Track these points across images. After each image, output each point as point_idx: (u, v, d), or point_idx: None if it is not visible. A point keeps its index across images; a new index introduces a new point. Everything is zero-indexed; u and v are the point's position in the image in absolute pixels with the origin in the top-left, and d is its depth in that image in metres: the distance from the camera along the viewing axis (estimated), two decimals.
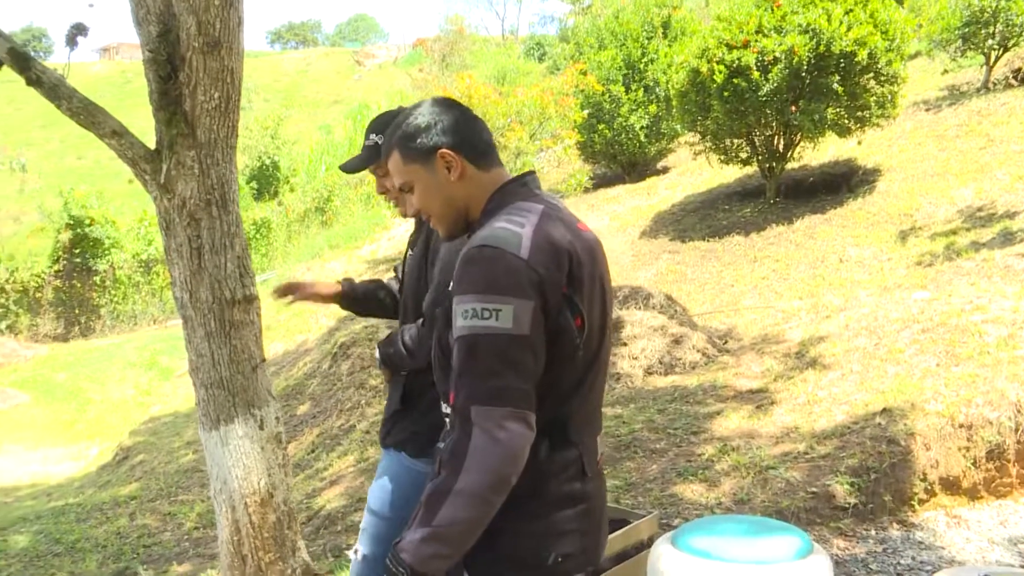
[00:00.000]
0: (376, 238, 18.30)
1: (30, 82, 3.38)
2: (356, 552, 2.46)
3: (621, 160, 16.45)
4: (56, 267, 22.00)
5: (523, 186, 1.81)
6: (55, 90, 3.41)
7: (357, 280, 2.97)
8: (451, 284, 1.70)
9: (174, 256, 3.52)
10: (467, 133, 1.81)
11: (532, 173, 1.87)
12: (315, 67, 44.89)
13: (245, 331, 3.58)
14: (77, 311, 22.00)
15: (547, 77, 19.14)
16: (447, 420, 1.84)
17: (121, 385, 15.80)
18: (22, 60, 3.36)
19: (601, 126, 15.50)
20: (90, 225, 21.82)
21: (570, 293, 1.64)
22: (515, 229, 1.64)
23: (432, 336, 2.05)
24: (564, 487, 1.72)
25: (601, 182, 16.56)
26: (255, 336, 3.64)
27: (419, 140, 1.79)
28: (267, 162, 26.89)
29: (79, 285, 21.97)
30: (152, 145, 3.54)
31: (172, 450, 9.28)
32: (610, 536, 3.38)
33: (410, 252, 2.49)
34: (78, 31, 3.60)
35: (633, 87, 15.79)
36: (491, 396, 1.56)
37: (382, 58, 46.40)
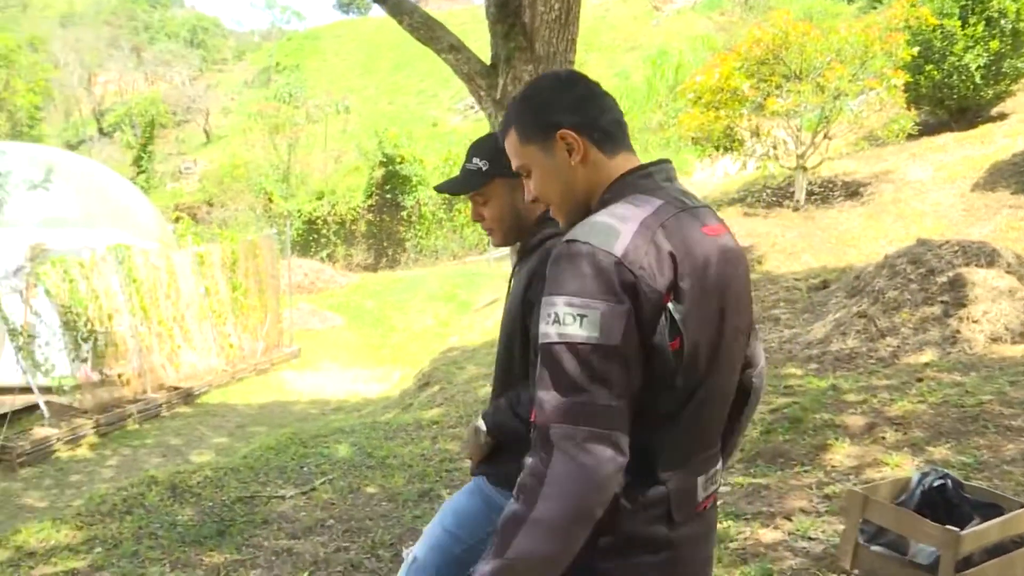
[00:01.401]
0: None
1: (376, 0, 3.37)
2: (410, 552, 2.28)
3: (949, 105, 14.73)
4: (369, 202, 23.78)
5: (646, 177, 1.54)
6: (398, 6, 3.39)
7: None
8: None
9: None
10: (592, 111, 1.56)
11: (664, 162, 1.59)
12: (613, 13, 44.58)
13: None
14: (385, 244, 23.69)
15: (859, 18, 17.50)
16: None
17: (422, 315, 16.74)
18: None
19: (929, 67, 13.91)
20: (400, 163, 23.31)
21: (672, 307, 1.38)
22: (613, 223, 1.41)
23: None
24: (642, 529, 1.46)
25: (924, 130, 14.96)
26: None
27: (538, 118, 1.57)
28: None
29: (388, 219, 23.63)
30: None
31: (469, 380, 9.60)
32: (982, 525, 2.88)
33: (512, 282, 2.21)
34: None
35: (971, 20, 13.96)
36: (574, 414, 1.34)
37: (680, 3, 45.05)
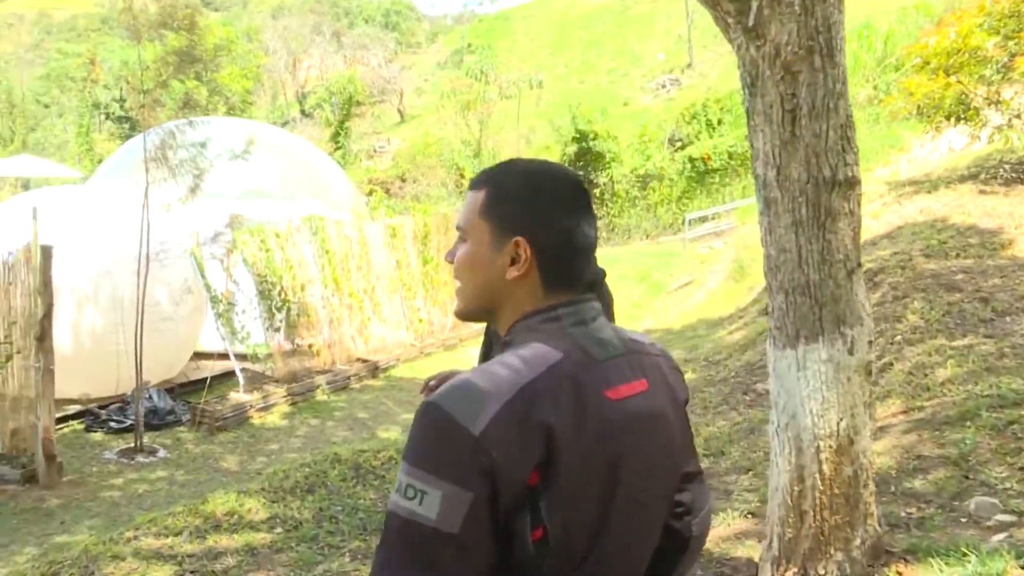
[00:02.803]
0: (892, 160, 16.47)
1: None
2: None
3: None
4: None
5: (552, 320, 1.31)
6: None
7: None
8: None
9: (759, 121, 2.73)
10: (564, 246, 1.33)
11: (583, 301, 1.32)
12: None
13: (842, 223, 2.70)
14: None
15: None
16: None
17: (614, 296, 16.14)
18: None
19: None
20: (594, 140, 22.82)
21: (539, 489, 1.15)
22: (487, 389, 1.17)
23: None
24: None
25: None
26: (853, 231, 2.76)
27: (510, 207, 1.33)
28: None
29: None
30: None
31: None
32: None
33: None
34: None
35: None
36: None
37: None
